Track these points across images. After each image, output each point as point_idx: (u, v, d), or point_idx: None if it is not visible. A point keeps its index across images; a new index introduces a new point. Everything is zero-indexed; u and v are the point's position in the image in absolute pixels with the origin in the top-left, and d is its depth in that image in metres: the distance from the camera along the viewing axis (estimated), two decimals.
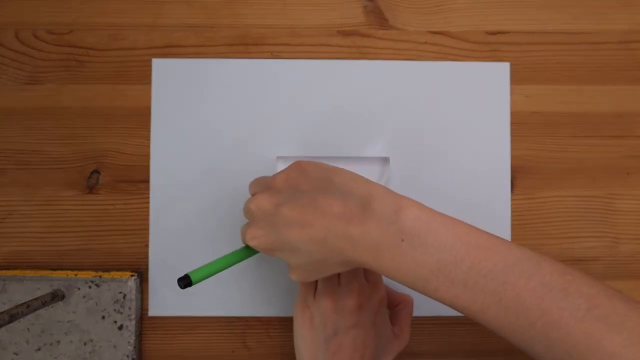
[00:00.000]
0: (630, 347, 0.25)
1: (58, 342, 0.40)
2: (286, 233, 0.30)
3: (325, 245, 0.29)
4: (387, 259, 0.28)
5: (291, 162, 0.33)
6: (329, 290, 0.35)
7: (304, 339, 0.35)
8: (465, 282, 0.27)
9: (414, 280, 0.28)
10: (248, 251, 0.35)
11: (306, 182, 0.31)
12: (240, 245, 0.35)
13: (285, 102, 0.42)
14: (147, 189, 0.42)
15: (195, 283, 0.31)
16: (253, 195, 0.36)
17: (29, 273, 0.40)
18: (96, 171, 0.42)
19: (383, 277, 0.37)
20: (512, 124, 0.43)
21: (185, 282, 0.31)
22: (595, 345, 0.25)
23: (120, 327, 0.40)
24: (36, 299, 0.36)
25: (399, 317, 0.38)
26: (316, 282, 0.36)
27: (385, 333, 0.36)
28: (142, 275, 0.42)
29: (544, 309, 0.26)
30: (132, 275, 0.40)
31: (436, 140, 0.42)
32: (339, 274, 0.35)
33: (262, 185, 0.34)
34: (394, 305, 0.38)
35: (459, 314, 0.41)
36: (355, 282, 0.35)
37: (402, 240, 0.28)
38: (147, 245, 0.42)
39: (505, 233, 0.42)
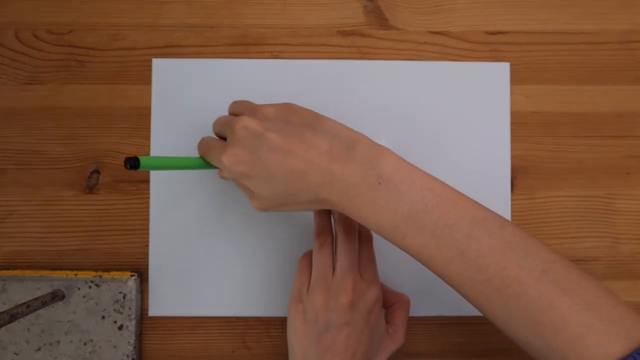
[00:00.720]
0: (579, 311, 0.27)
1: (58, 342, 0.40)
2: (268, 157, 0.30)
3: (303, 178, 0.30)
4: (362, 202, 0.29)
5: None
6: (322, 284, 0.34)
7: (296, 333, 0.34)
8: (433, 231, 0.29)
9: (384, 225, 0.29)
10: (204, 163, 0.35)
11: (295, 118, 0.32)
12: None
13: (285, 102, 0.42)
14: (147, 189, 0.42)
15: (142, 168, 0.30)
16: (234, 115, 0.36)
17: (29, 273, 0.40)
18: (96, 171, 0.42)
19: (380, 278, 0.37)
20: (512, 124, 0.43)
21: (132, 163, 0.30)
22: (547, 306, 0.27)
23: (120, 327, 0.40)
24: (36, 299, 0.36)
25: (395, 316, 0.37)
26: (310, 275, 0.36)
27: (379, 332, 0.36)
28: (142, 275, 0.42)
29: (503, 265, 0.28)
30: (132, 275, 0.40)
31: (436, 141, 0.42)
32: (334, 269, 0.35)
33: (248, 110, 0.34)
34: (390, 304, 0.38)
35: (459, 314, 0.42)
36: (349, 278, 0.34)
37: (379, 184, 0.29)
38: (147, 245, 0.42)
39: None
